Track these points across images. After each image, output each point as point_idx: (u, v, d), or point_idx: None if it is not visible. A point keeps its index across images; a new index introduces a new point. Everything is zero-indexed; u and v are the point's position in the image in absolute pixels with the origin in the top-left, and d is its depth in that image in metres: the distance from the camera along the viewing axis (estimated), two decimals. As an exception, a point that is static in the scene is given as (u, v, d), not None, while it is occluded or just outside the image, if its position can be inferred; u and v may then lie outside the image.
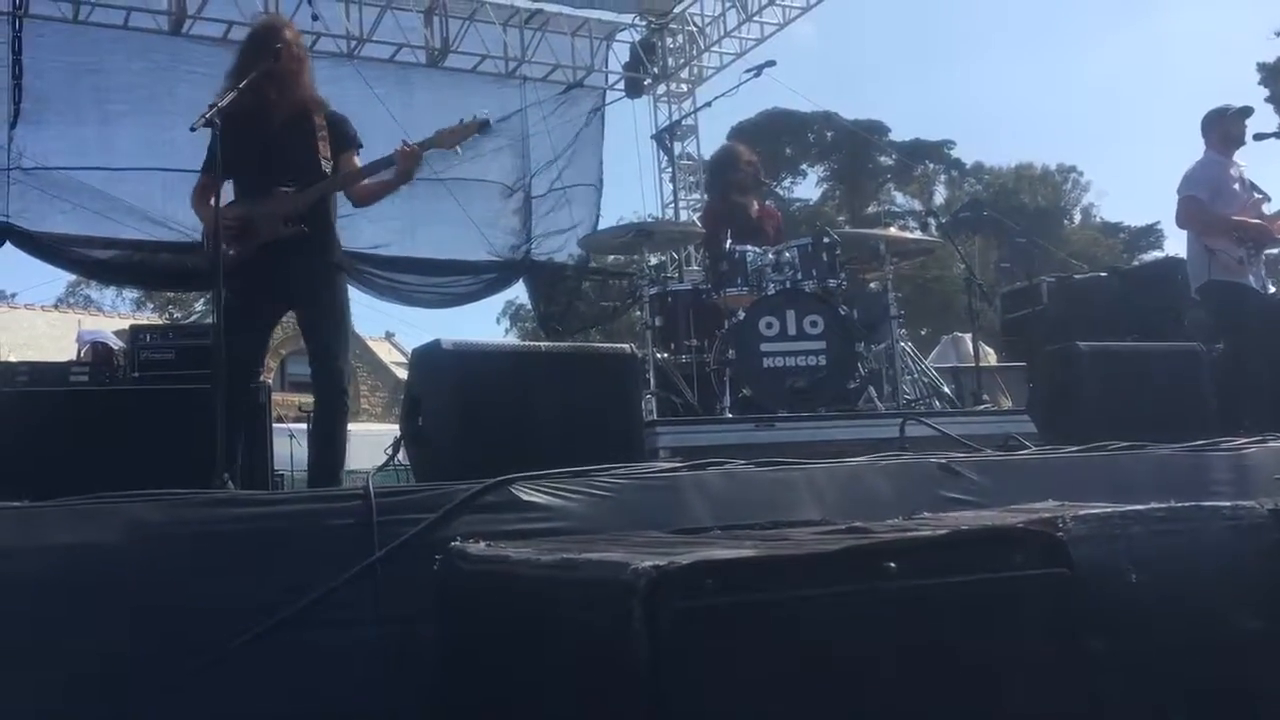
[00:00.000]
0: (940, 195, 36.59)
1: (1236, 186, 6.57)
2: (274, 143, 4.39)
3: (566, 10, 11.55)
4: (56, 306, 27.23)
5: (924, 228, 9.37)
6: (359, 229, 10.14)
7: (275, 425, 5.97)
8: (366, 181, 4.58)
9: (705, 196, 10.44)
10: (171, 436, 4.48)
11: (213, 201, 4.12)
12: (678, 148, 12.38)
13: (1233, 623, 2.22)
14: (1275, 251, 7.00)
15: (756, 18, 11.98)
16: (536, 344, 5.03)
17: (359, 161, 4.59)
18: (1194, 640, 2.17)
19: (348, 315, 4.59)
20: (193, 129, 3.93)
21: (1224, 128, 6.64)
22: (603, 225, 11.48)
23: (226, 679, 2.55)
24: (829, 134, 35.46)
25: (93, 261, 9.63)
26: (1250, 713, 2.22)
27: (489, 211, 11.04)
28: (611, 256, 12.05)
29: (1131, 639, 2.08)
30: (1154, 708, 2.12)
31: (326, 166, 4.48)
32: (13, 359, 7.51)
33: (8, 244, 9.00)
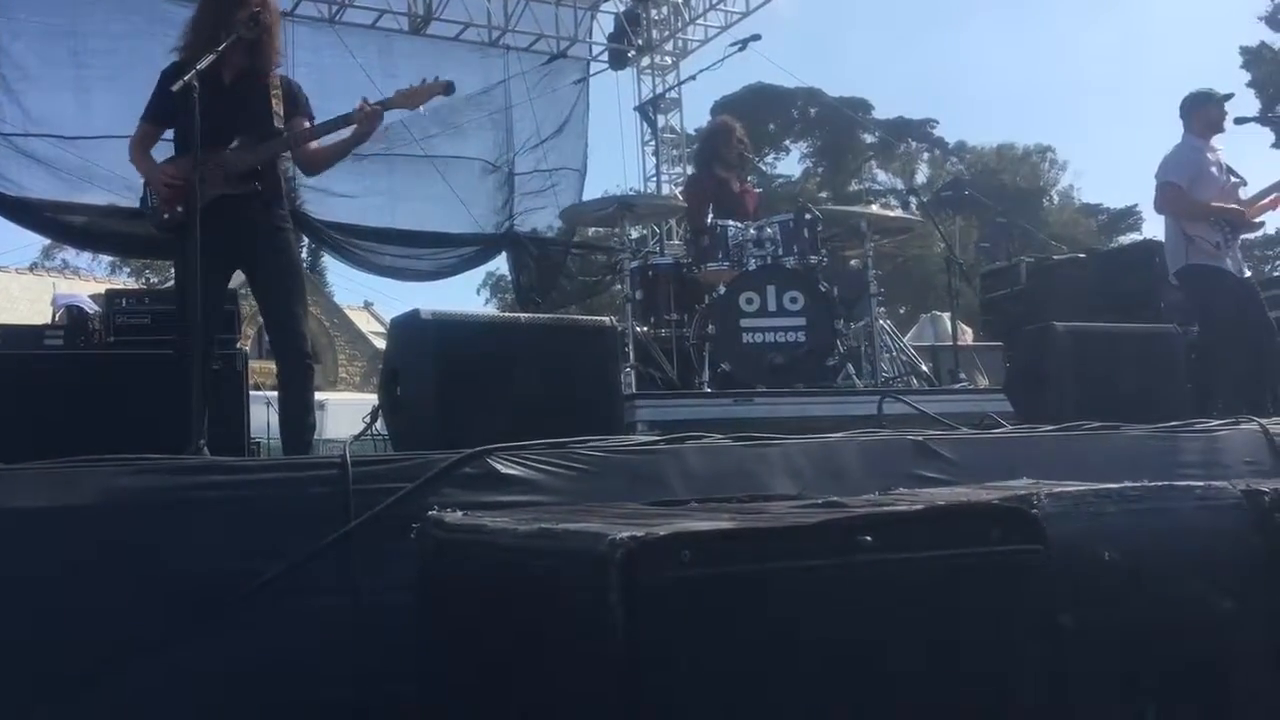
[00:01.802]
0: (922, 174, 36.66)
1: (1214, 171, 6.59)
2: (227, 98, 4.27)
3: (551, -21, 11.48)
4: (32, 269, 26.98)
5: (905, 206, 9.40)
6: (338, 204, 10.10)
7: (252, 393, 5.94)
8: (320, 144, 4.50)
9: (689, 169, 10.42)
10: (147, 402, 4.44)
11: (194, 168, 4.07)
12: (661, 121, 12.35)
13: (1205, 601, 2.24)
14: (1251, 236, 7.05)
15: (742, -9, 11.94)
16: (516, 315, 5.02)
17: (306, 126, 4.52)
18: (1166, 618, 2.19)
19: (302, 276, 4.55)
20: (173, 90, 3.88)
21: (1206, 113, 6.66)
22: (586, 193, 11.46)
23: (200, 645, 2.55)
24: (812, 110, 35.45)
25: (68, 226, 9.54)
26: (1221, 690, 2.24)
27: (470, 187, 10.98)
28: (593, 229, 12.03)
29: (1104, 616, 2.10)
30: (1126, 685, 2.15)
31: (279, 124, 4.40)
32: (-14, 322, 7.44)
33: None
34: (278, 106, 4.41)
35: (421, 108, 4.46)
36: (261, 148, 4.34)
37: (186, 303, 3.91)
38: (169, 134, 4.47)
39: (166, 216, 4.29)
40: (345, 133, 4.45)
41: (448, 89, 4.47)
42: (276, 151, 4.41)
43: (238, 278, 4.62)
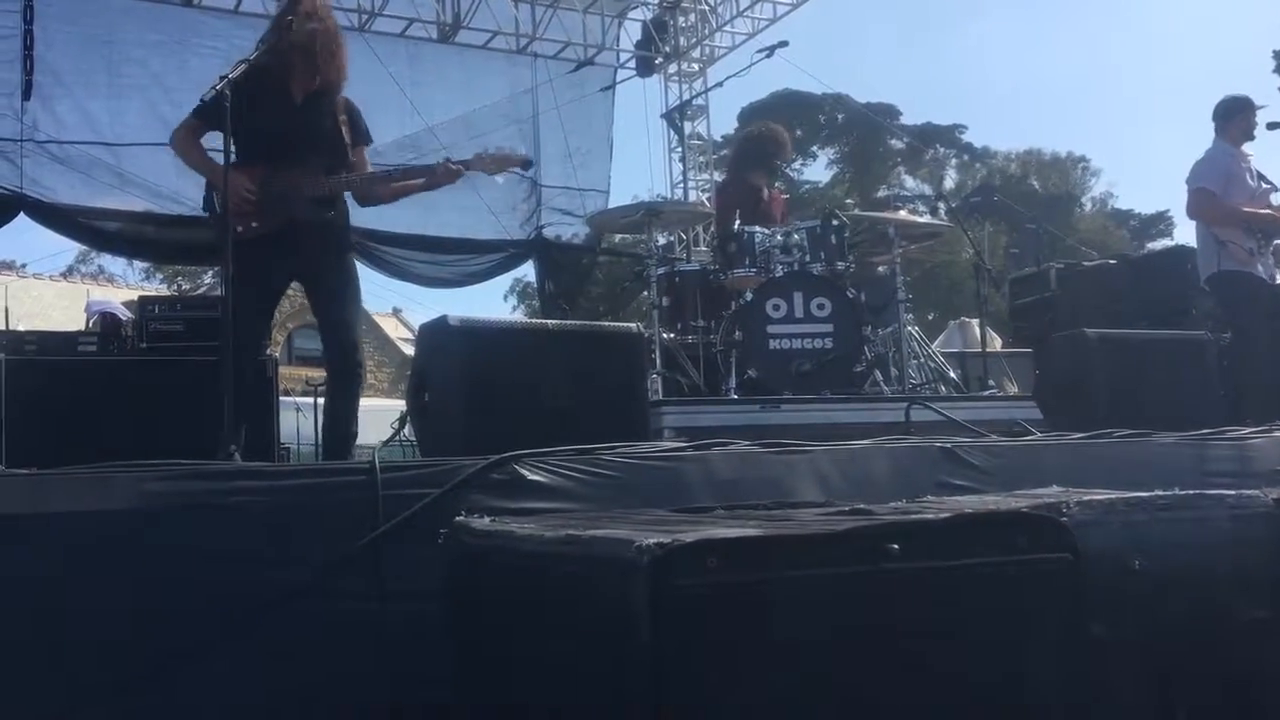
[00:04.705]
0: (951, 179, 36.46)
1: (1247, 177, 6.55)
2: (298, 116, 4.32)
3: (579, -14, 11.50)
4: (66, 276, 27.25)
5: (934, 212, 9.35)
6: (367, 212, 10.14)
7: (281, 399, 5.99)
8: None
9: (723, 172, 10.40)
10: (179, 408, 4.49)
11: (223, 175, 4.09)
12: (688, 127, 12.32)
13: (1235, 610, 2.22)
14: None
15: (769, -3, 11.92)
16: (543, 321, 5.03)
17: (366, 156, 4.60)
18: (1196, 627, 2.17)
19: (359, 288, 4.59)
20: (204, 98, 3.91)
21: (1239, 119, 6.62)
22: (611, 204, 11.47)
23: (231, 650, 2.57)
24: (840, 116, 35.34)
25: (103, 233, 9.62)
26: (1251, 698, 2.22)
27: (497, 195, 10.99)
28: (619, 235, 12.02)
29: (1134, 625, 2.09)
30: (1156, 693, 2.13)
31: (350, 154, 4.46)
32: (21, 328, 7.52)
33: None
34: (346, 134, 4.45)
35: (499, 177, 4.60)
36: (337, 180, 4.38)
37: (236, 309, 3.91)
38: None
39: (240, 229, 4.16)
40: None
41: (526, 164, 4.69)
42: (353, 188, 4.50)
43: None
